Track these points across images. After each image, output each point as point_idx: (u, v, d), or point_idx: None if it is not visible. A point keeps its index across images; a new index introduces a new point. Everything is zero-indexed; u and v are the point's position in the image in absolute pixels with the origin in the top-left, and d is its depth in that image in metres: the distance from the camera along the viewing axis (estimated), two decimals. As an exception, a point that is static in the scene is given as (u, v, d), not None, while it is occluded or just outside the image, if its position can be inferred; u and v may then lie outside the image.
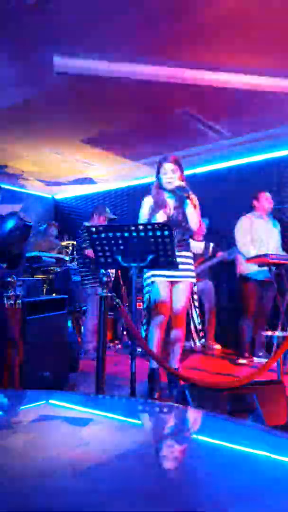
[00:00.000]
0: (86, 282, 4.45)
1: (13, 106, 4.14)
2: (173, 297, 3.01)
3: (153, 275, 2.94)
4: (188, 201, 2.87)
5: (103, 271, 4.30)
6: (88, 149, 5.40)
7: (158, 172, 2.99)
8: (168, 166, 2.91)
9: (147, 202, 3.02)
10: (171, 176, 2.90)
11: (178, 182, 2.88)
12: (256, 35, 3.00)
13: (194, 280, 3.06)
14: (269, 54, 3.25)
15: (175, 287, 3.00)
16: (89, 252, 4.41)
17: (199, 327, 3.13)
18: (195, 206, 2.90)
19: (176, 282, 2.98)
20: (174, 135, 4.91)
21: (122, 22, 2.89)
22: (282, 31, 2.94)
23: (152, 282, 2.95)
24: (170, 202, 2.99)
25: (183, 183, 2.88)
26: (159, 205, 2.96)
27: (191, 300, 3.07)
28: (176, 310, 2.99)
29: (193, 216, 2.90)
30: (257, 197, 4.24)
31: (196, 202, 2.92)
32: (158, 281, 2.93)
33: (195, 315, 3.10)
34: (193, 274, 3.05)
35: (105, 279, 2.22)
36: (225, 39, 3.04)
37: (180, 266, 2.80)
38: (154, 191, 3.02)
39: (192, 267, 3.06)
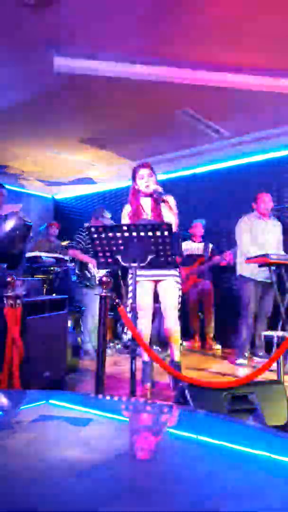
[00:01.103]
0: (80, 282, 4.47)
1: (13, 106, 4.14)
2: (161, 296, 3.10)
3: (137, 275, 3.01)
4: (164, 204, 3.01)
5: (88, 273, 4.32)
6: (88, 149, 5.40)
7: (134, 179, 3.12)
8: (144, 171, 3.06)
9: (126, 211, 3.14)
10: (147, 180, 3.04)
11: (154, 186, 3.01)
12: (256, 35, 3.00)
13: (178, 279, 3.12)
14: (269, 54, 3.25)
15: (161, 285, 3.08)
16: (72, 252, 4.43)
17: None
18: (170, 208, 3.03)
19: (160, 280, 3.07)
20: (174, 135, 4.91)
21: (122, 22, 2.89)
22: (282, 31, 2.95)
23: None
24: (147, 205, 3.11)
25: (158, 187, 3.02)
26: (136, 211, 3.08)
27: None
28: (166, 307, 3.07)
29: (170, 218, 3.00)
30: (255, 198, 4.25)
31: (173, 204, 3.07)
32: (140, 284, 3.00)
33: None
34: (176, 273, 3.11)
35: (104, 279, 2.21)
36: (225, 39, 3.05)
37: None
38: (131, 197, 3.15)
39: (173, 267, 3.14)
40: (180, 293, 3.16)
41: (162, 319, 3.38)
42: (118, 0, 2.69)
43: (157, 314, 3.90)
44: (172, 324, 3.06)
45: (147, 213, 3.10)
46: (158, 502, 0.50)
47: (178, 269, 3.19)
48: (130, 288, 3.06)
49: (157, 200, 3.04)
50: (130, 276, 3.05)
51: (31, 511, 0.46)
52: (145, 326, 3.07)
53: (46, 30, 2.96)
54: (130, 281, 3.07)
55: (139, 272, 2.93)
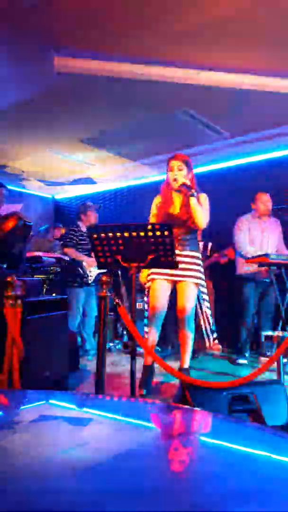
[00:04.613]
0: (69, 280, 4.46)
1: (13, 106, 4.14)
2: (178, 297, 2.98)
3: (152, 273, 2.96)
4: (193, 199, 2.84)
5: (81, 270, 4.31)
6: (88, 149, 5.40)
7: (167, 170, 3.00)
8: (174, 164, 2.92)
9: (155, 202, 3.06)
10: (175, 174, 2.91)
11: (182, 180, 2.88)
12: (257, 35, 3.00)
13: (199, 280, 2.98)
14: (269, 54, 3.25)
15: (179, 286, 2.96)
16: (67, 250, 4.43)
17: (211, 329, 3.12)
18: (201, 205, 2.89)
19: (179, 281, 2.94)
20: (174, 135, 4.91)
21: (122, 22, 2.89)
22: (282, 31, 2.94)
23: (152, 280, 2.97)
24: (177, 200, 2.99)
25: (187, 181, 2.88)
26: (164, 203, 2.98)
27: (200, 301, 3.02)
28: (181, 310, 2.95)
29: (198, 214, 2.86)
30: (254, 199, 4.26)
31: (204, 201, 2.93)
32: (156, 281, 2.95)
33: (205, 317, 3.08)
34: (199, 274, 2.98)
35: (104, 278, 2.21)
36: (225, 39, 3.04)
37: (184, 266, 2.81)
38: (163, 189, 3.05)
39: (198, 267, 2.99)
40: (204, 295, 3.01)
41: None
42: (118, 0, 2.68)
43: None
44: (185, 329, 2.94)
45: (175, 207, 2.98)
46: (158, 502, 0.50)
47: (201, 267, 3.01)
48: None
49: (186, 195, 2.90)
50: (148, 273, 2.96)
51: (31, 511, 0.46)
52: (153, 334, 2.95)
53: (46, 30, 2.96)
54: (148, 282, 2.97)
55: (156, 271, 2.88)
